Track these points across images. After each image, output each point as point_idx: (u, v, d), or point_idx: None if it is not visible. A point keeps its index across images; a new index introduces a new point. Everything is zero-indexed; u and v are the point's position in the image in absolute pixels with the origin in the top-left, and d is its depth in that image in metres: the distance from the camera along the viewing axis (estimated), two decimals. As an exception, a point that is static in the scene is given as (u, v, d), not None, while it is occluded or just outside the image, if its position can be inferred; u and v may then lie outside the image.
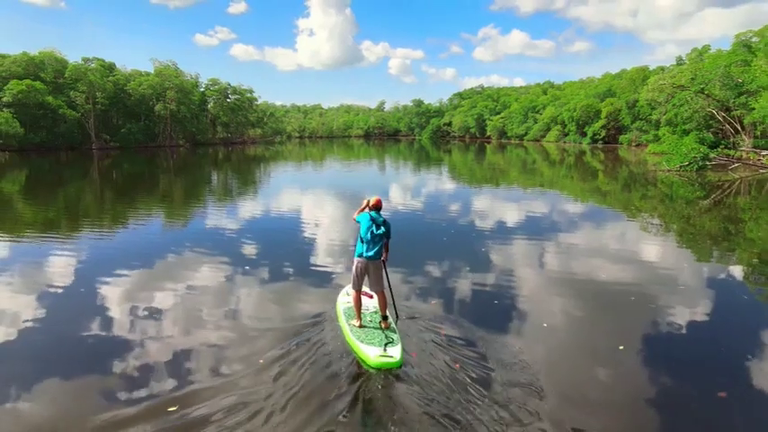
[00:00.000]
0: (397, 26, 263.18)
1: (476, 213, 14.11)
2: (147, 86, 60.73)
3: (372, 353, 4.73)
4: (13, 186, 21.70)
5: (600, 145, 60.56)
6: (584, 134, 64.74)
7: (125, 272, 7.98)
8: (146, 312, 6.19)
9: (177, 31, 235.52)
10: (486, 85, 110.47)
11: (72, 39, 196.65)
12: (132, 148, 56.62)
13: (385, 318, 5.40)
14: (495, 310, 6.34)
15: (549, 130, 74.41)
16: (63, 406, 4.12)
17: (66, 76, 54.21)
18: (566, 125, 69.44)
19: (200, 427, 3.73)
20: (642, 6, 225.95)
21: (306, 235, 11.03)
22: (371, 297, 5.92)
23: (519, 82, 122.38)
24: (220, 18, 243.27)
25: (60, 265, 8.43)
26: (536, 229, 11.83)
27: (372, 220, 5.37)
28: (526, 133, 79.75)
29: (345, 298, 6.09)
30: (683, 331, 5.75)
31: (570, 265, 8.50)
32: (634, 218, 13.95)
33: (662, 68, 55.13)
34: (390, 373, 4.55)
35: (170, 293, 6.91)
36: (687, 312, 6.30)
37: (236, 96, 78.02)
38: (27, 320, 5.97)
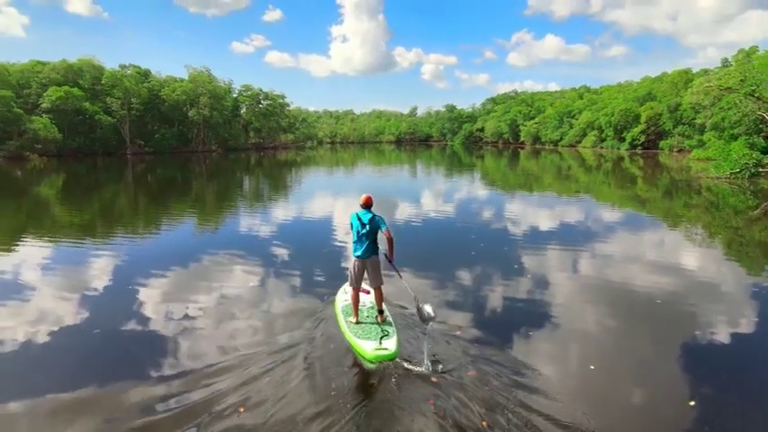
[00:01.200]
0: (430, 32, 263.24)
1: (508, 219, 13.79)
2: (181, 92, 62.22)
3: (369, 347, 4.93)
4: (51, 190, 22.76)
5: (639, 150, 58.39)
6: (622, 139, 62.62)
7: (158, 273, 8.23)
8: (173, 310, 6.37)
9: (215, 38, 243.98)
10: (519, 90, 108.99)
11: (114, 48, 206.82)
12: (165, 153, 58.28)
13: (381, 312, 5.64)
14: (527, 317, 6.14)
15: (584, 135, 72.34)
16: (97, 398, 4.26)
17: (102, 82, 55.95)
18: (603, 130, 67.37)
19: (206, 415, 3.93)
20: (682, 9, 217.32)
21: (333, 238, 11.11)
22: (368, 293, 6.08)
23: (553, 87, 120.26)
24: (256, 26, 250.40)
25: (97, 267, 8.71)
26: (571, 236, 11.46)
27: (359, 219, 5.51)
28: (561, 139, 77.85)
29: (344, 296, 6.29)
30: (726, 346, 5.39)
31: (607, 275, 8.16)
32: (677, 227, 13.31)
33: (705, 71, 52.69)
34: (387, 365, 4.74)
35: (197, 293, 7.09)
36: (731, 328, 5.92)
37: (269, 102, 79.24)
38: (66, 319, 6.21)
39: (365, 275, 5.65)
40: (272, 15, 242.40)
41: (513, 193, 21.56)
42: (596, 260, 9.25)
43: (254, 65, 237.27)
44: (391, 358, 4.83)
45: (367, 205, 5.59)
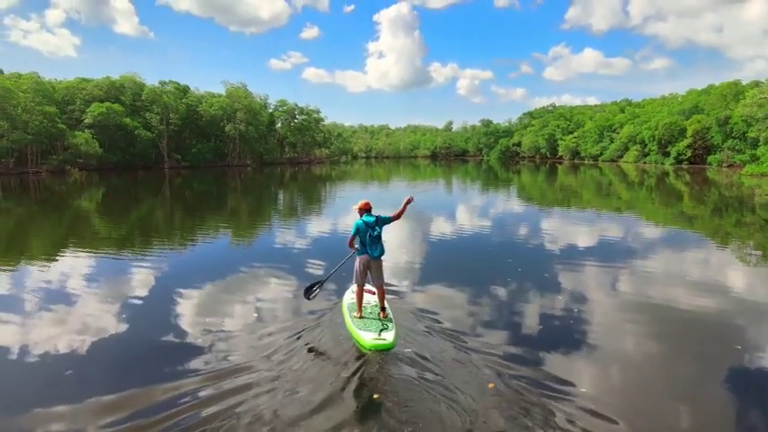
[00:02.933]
0: (466, 47, 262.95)
1: (544, 236, 13.51)
2: (218, 107, 63.81)
3: (368, 337, 5.35)
4: (91, 204, 23.73)
5: (685, 166, 56.08)
6: (666, 154, 60.39)
7: (193, 283, 8.45)
8: (205, 318, 6.63)
9: (253, 56, 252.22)
10: (557, 105, 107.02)
11: (158, 66, 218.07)
12: (201, 167, 59.82)
13: (383, 309, 6.01)
14: (566, 336, 6.03)
15: (626, 149, 70.23)
16: (133, 398, 4.46)
17: (142, 98, 58.12)
18: (646, 144, 65.24)
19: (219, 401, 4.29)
20: (727, 21, 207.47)
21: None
22: (373, 293, 6.41)
23: (592, 101, 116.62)
24: (293, 43, 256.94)
25: (136, 278, 8.92)
26: (611, 253, 11.07)
27: (366, 224, 5.87)
28: (601, 153, 75.85)
29: (350, 295, 6.67)
30: (787, 375, 5.14)
31: (651, 294, 7.86)
32: (728, 246, 12.69)
33: (757, 83, 50.23)
34: (385, 355, 5.16)
35: (229, 303, 7.36)
36: (792, 354, 5.63)
37: (303, 117, 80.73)
38: (105, 327, 6.46)
39: (369, 275, 6.04)
40: (310, 33, 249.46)
41: (550, 210, 21.11)
42: (639, 278, 8.94)
43: (292, 81, 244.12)
44: (388, 348, 5.23)
45: (367, 209, 5.99)
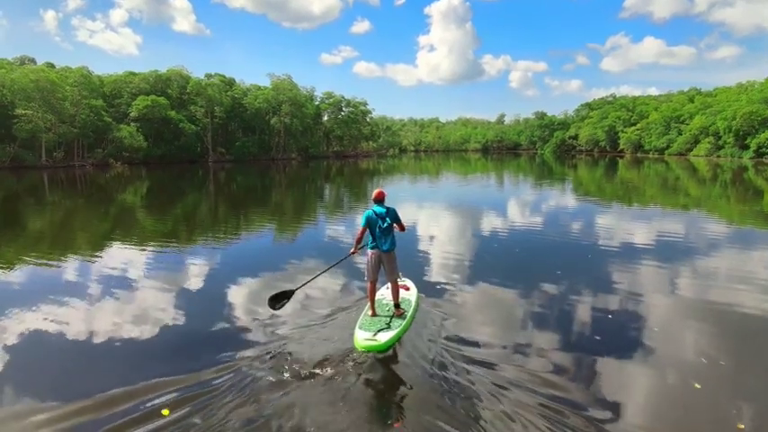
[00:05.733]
0: (519, 39, 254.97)
1: (600, 234, 12.51)
2: (263, 100, 62.92)
3: (361, 336, 5.14)
4: (135, 197, 23.91)
5: (767, 159, 50.89)
6: (744, 147, 55.12)
7: (237, 276, 8.47)
8: (247, 309, 6.62)
9: (305, 51, 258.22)
10: (617, 96, 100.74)
11: (213, 62, 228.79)
12: (245, 161, 59.54)
13: (397, 306, 5.83)
14: (619, 341, 5.46)
15: (697, 142, 64.92)
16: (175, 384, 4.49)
17: (187, 91, 57.75)
18: (720, 136, 59.89)
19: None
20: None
21: (419, 249, 10.91)
22: (408, 290, 6.39)
23: (653, 92, 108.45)
24: (344, 37, 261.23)
25: (182, 271, 9.08)
26: (675, 254, 9.99)
27: (376, 215, 5.64)
28: (668, 146, 70.69)
29: (383, 291, 6.53)
30: None
31: (717, 299, 7.00)
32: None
33: None
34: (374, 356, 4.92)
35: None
36: None
37: (350, 109, 79.12)
38: (156, 317, 6.61)
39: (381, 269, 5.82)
40: (361, 27, 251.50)
41: (608, 206, 19.74)
42: (712, 282, 8.02)
43: (343, 76, 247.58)
44: (378, 350, 4.98)
45: (379, 200, 5.77)
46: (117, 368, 5.03)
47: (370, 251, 5.75)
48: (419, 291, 6.82)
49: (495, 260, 10.01)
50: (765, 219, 16.04)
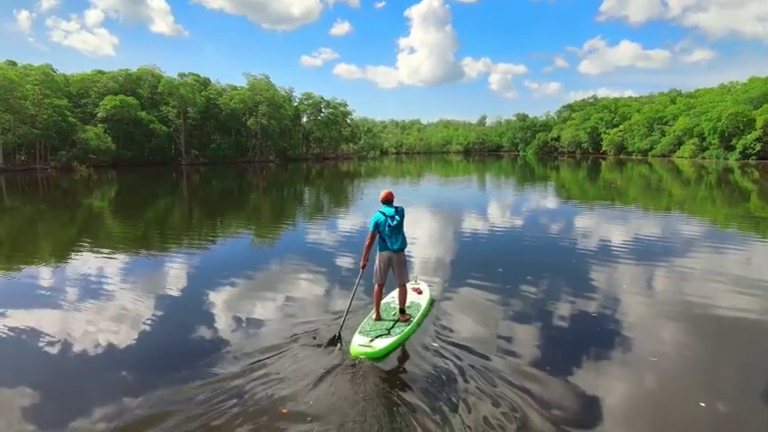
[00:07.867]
0: (499, 41, 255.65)
1: (582, 234, 11.01)
2: (239, 100, 60.30)
3: (357, 341, 4.92)
4: (103, 202, 22.19)
5: (753, 161, 49.88)
6: (730, 148, 54.05)
7: (215, 282, 7.95)
8: (228, 314, 6.40)
9: (285, 53, 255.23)
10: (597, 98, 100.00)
11: (192, 64, 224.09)
12: (221, 164, 56.82)
13: (403, 312, 5.59)
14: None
15: (680, 143, 63.87)
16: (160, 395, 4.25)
17: (159, 90, 54.70)
18: (705, 138, 58.86)
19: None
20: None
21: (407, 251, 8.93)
22: (420, 293, 6.22)
23: (631, 95, 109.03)
24: (324, 39, 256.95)
25: (153, 280, 8.28)
26: (655, 255, 8.78)
27: (385, 215, 5.45)
28: (651, 148, 69.58)
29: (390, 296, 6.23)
30: None
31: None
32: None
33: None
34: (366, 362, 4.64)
35: (251, 299, 7.12)
36: None
37: (330, 110, 76.81)
38: (126, 330, 5.99)
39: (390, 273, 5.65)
40: (341, 29, 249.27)
41: (590, 207, 17.89)
42: (691, 282, 6.65)
43: (323, 77, 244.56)
44: (371, 357, 4.72)
45: (389, 200, 5.57)
46: (82, 382, 4.66)
47: (379, 253, 5.57)
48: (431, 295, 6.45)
49: (483, 262, 9.35)
50: (754, 221, 14.61)
